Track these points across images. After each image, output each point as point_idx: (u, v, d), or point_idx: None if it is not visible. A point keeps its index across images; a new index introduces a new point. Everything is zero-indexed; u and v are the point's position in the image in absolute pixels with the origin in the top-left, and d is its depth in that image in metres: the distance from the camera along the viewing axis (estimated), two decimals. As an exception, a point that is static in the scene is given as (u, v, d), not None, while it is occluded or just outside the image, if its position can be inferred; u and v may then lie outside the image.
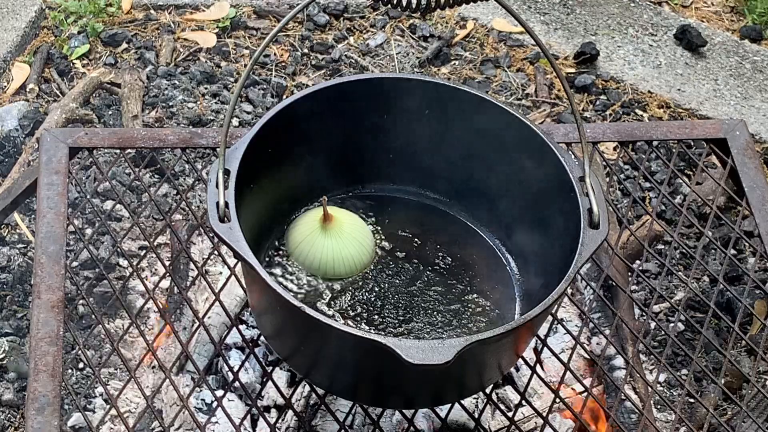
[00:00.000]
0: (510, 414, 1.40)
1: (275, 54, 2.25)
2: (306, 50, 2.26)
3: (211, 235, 1.60)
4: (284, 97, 2.14)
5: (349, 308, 1.37)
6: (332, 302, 1.37)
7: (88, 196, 1.59)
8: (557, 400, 1.41)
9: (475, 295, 1.42)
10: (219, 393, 1.43)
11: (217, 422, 1.45)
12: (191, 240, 1.72)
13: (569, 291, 1.61)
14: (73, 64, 2.18)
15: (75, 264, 1.65)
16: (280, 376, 1.49)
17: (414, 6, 1.24)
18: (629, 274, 1.66)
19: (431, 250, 1.47)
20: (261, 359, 1.46)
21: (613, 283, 1.61)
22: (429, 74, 2.21)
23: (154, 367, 1.57)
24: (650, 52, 2.33)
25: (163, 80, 2.13)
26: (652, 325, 1.66)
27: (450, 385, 1.29)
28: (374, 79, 1.45)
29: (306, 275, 1.40)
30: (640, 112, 2.18)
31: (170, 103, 2.08)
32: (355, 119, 1.43)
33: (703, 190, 1.85)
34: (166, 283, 1.66)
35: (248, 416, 1.43)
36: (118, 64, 2.18)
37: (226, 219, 1.20)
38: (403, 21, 2.35)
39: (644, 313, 1.58)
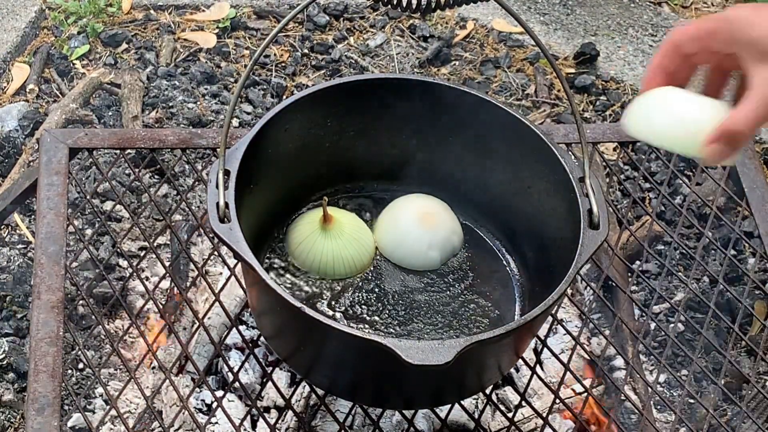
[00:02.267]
0: (510, 414, 1.40)
1: (275, 54, 2.25)
2: (306, 51, 2.26)
3: (211, 235, 1.60)
4: (284, 97, 2.14)
5: (349, 309, 1.37)
6: (332, 303, 1.37)
7: (88, 197, 1.59)
8: (557, 400, 1.41)
9: (475, 296, 1.42)
10: (219, 393, 1.43)
11: (217, 423, 1.45)
12: (191, 240, 1.72)
13: (569, 291, 1.61)
14: (73, 64, 2.18)
15: (75, 264, 1.65)
16: (280, 376, 1.49)
17: (414, 6, 1.25)
18: (629, 274, 1.66)
19: (431, 251, 1.47)
20: (261, 360, 1.46)
21: (613, 284, 1.61)
22: (429, 75, 2.21)
23: (154, 367, 1.57)
24: (650, 52, 2.33)
25: (163, 81, 2.13)
26: (652, 325, 1.66)
27: (450, 386, 1.29)
28: (374, 80, 1.45)
29: (306, 276, 1.40)
30: (640, 113, 2.17)
31: (170, 104, 2.08)
32: (354, 119, 1.43)
33: (703, 191, 1.85)
34: (166, 284, 1.67)
35: (248, 417, 1.43)
36: (118, 65, 2.18)
37: (226, 219, 1.20)
38: (403, 21, 2.36)
39: (644, 314, 1.58)
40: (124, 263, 1.74)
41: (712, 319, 1.60)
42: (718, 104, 1.08)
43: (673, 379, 1.64)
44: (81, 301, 1.60)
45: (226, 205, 1.21)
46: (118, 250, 1.65)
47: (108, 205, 1.83)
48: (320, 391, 1.37)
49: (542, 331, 1.50)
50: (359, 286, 1.40)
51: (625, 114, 1.14)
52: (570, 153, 1.81)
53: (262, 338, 1.40)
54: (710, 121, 1.05)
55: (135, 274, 1.50)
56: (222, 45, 2.25)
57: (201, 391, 1.51)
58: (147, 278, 1.71)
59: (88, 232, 1.78)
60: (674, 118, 1.09)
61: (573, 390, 1.55)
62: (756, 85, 1.00)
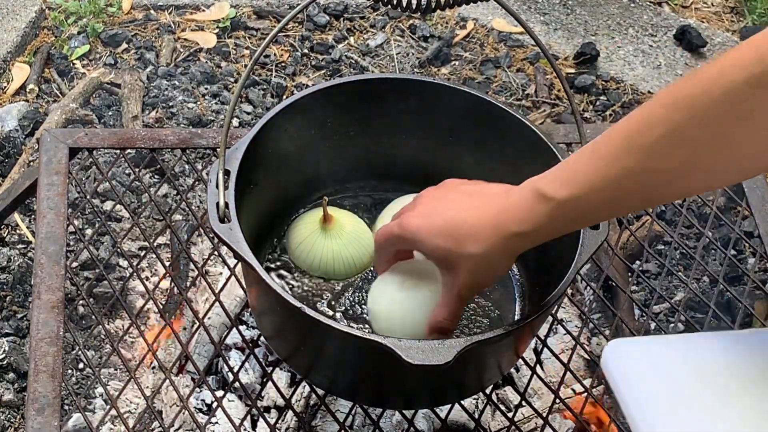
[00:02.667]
0: (510, 414, 1.40)
1: (275, 54, 2.25)
2: (306, 50, 2.26)
3: (211, 235, 1.60)
4: (284, 97, 2.14)
5: (349, 309, 1.37)
6: (332, 303, 1.37)
7: (88, 197, 1.59)
8: (557, 400, 1.41)
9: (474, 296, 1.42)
10: (219, 393, 1.43)
11: (217, 423, 1.45)
12: (191, 240, 1.72)
13: (569, 291, 1.61)
14: (73, 64, 2.18)
15: (75, 264, 1.65)
16: (280, 376, 1.49)
17: (414, 6, 1.25)
18: (629, 274, 1.66)
19: (431, 251, 1.47)
20: (261, 360, 1.46)
21: (613, 284, 1.61)
22: (429, 75, 2.21)
23: (154, 367, 1.57)
24: (650, 52, 2.33)
25: (163, 80, 2.13)
26: (652, 325, 1.66)
27: (450, 386, 1.29)
28: (374, 80, 1.45)
29: (306, 276, 1.40)
30: (640, 113, 2.17)
31: (170, 104, 2.08)
32: (354, 119, 1.43)
33: (703, 191, 1.85)
34: (166, 284, 1.66)
35: (248, 417, 1.43)
36: (118, 65, 2.18)
37: (226, 219, 1.20)
38: (403, 21, 2.36)
39: (644, 314, 1.58)
40: (124, 263, 1.74)
41: (712, 319, 1.60)
42: (425, 290, 1.23)
43: (673, 379, 1.64)
44: (81, 301, 1.60)
45: (226, 205, 1.21)
46: (118, 250, 1.65)
47: (108, 205, 1.83)
48: (320, 391, 1.37)
49: (542, 331, 1.50)
50: (359, 286, 1.40)
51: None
52: (570, 153, 1.81)
53: (262, 338, 1.40)
54: (419, 311, 1.23)
55: (135, 274, 1.50)
56: (222, 45, 2.25)
57: (201, 391, 1.51)
58: (147, 278, 1.71)
59: (88, 232, 1.78)
60: (398, 319, 1.26)
61: (573, 390, 1.55)
62: (443, 285, 1.16)
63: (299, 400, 1.46)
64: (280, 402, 1.46)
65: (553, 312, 1.52)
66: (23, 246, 1.79)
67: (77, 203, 1.79)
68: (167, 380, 1.38)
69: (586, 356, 1.58)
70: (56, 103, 2.05)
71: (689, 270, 1.75)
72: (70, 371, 1.60)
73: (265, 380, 1.42)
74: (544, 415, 1.40)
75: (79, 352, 1.55)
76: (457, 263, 1.11)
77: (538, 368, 1.45)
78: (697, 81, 0.90)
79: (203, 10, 2.33)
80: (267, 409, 1.47)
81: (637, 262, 1.68)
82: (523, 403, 1.41)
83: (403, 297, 1.26)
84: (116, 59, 2.19)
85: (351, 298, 1.38)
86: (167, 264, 1.60)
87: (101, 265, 1.55)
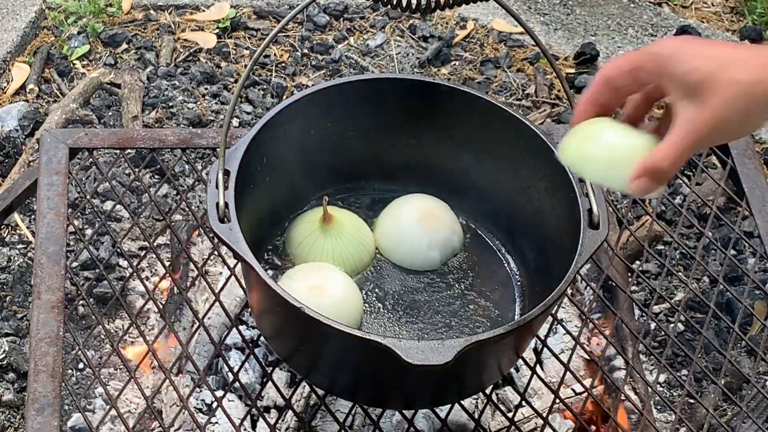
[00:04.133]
0: (510, 414, 1.40)
1: (275, 54, 2.25)
2: (306, 51, 2.26)
3: (211, 235, 1.60)
4: (284, 97, 2.14)
5: (349, 308, 1.37)
6: (332, 302, 1.37)
7: (88, 197, 1.59)
8: (557, 400, 1.41)
9: (475, 296, 1.42)
10: (219, 393, 1.42)
11: (217, 423, 1.45)
12: (191, 240, 1.72)
13: (569, 291, 1.60)
14: (73, 64, 2.18)
15: (75, 264, 1.65)
16: (280, 376, 1.49)
17: (414, 6, 1.25)
18: (629, 274, 1.66)
19: (431, 251, 1.47)
20: (261, 360, 1.46)
21: (613, 284, 1.61)
22: (429, 75, 2.21)
23: (154, 367, 1.57)
24: (650, 52, 2.33)
25: (163, 81, 2.13)
26: (652, 325, 1.66)
27: (450, 386, 1.29)
28: (374, 80, 1.45)
29: (306, 276, 1.40)
30: (640, 113, 2.17)
31: (170, 104, 2.08)
32: (354, 119, 1.43)
33: (703, 191, 1.85)
34: (166, 284, 1.66)
35: (248, 417, 1.43)
36: (118, 65, 2.18)
37: (225, 219, 1.20)
38: (403, 21, 2.36)
39: (644, 314, 1.58)
40: (124, 263, 1.74)
41: (712, 319, 1.60)
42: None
43: (673, 379, 1.64)
44: (81, 301, 1.60)
45: (226, 205, 1.21)
46: (118, 250, 1.65)
47: (108, 205, 1.83)
48: (320, 391, 1.37)
49: (542, 331, 1.50)
50: (359, 286, 1.40)
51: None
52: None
53: (262, 338, 1.40)
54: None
55: (135, 274, 1.50)
56: (222, 45, 2.25)
57: (201, 391, 1.50)
58: (147, 278, 1.71)
59: (88, 232, 1.78)
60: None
61: (573, 390, 1.55)
62: (679, 122, 1.00)
63: (299, 400, 1.46)
64: (280, 402, 1.46)
65: (553, 312, 1.52)
66: (23, 246, 1.79)
67: (77, 203, 1.79)
68: (167, 380, 1.38)
69: (586, 356, 1.58)
70: (56, 103, 2.05)
71: (689, 270, 1.75)
72: (70, 371, 1.60)
73: (265, 380, 1.42)
74: (544, 415, 1.40)
75: (79, 352, 1.55)
76: (713, 91, 0.97)
77: (538, 368, 1.45)
78: None
79: (203, 10, 2.33)
80: (267, 409, 1.47)
81: (637, 262, 1.68)
82: (523, 403, 1.41)
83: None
84: (116, 59, 2.19)
85: (351, 298, 1.38)
86: (167, 264, 1.60)
87: (101, 265, 1.55)
